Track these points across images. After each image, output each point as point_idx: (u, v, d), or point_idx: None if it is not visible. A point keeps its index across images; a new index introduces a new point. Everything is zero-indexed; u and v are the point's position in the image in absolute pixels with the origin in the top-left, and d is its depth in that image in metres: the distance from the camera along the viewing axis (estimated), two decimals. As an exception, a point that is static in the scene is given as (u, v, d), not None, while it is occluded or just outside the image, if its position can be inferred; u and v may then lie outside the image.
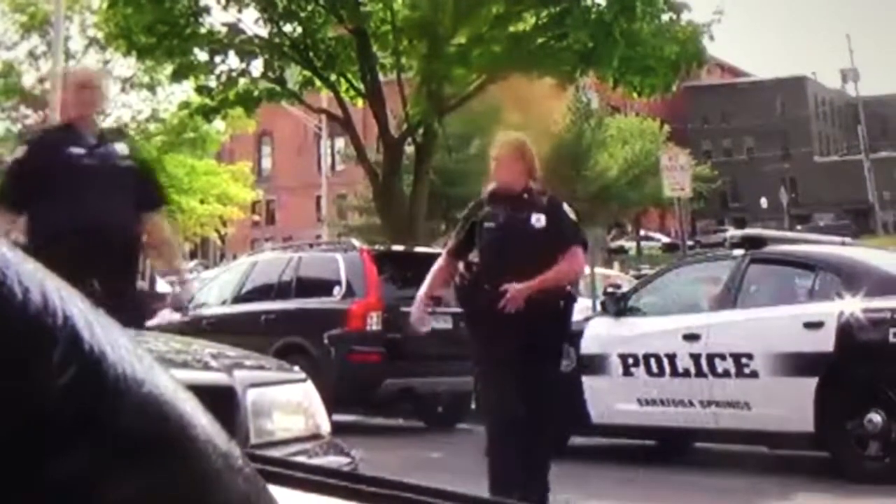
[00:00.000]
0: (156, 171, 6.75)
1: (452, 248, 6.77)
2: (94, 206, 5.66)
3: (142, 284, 6.49)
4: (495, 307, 6.05)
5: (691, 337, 8.77)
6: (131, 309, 5.62)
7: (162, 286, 20.44)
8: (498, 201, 6.50)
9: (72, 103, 6.10)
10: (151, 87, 36.43)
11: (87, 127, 6.01)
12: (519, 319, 6.06)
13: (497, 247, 6.33)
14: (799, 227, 43.86)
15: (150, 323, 12.84)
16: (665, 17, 19.48)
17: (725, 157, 74.82)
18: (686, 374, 8.80)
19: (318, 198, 50.95)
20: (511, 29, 19.34)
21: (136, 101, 40.20)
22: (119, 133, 6.96)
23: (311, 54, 19.51)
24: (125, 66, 34.21)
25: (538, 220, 6.38)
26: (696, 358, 8.72)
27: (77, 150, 5.80)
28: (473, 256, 6.63)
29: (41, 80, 35.02)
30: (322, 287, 12.04)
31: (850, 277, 8.33)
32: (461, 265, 6.64)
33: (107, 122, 37.41)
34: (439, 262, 6.81)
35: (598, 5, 18.86)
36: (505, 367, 6.11)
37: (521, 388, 6.09)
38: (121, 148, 6.11)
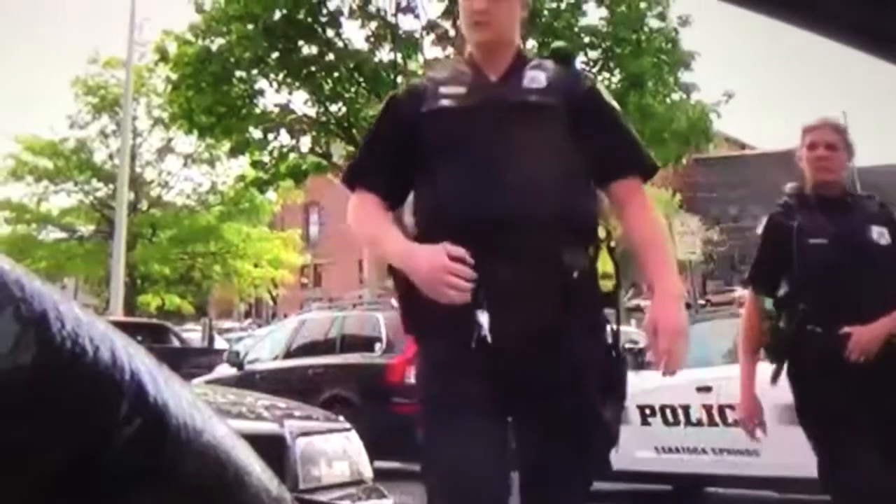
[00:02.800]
0: (622, 115, 3.27)
1: (756, 278, 4.39)
2: (487, 180, 2.88)
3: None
4: (833, 357, 4.00)
5: (704, 389, 8.69)
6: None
7: (220, 343, 20.49)
8: (812, 206, 4.24)
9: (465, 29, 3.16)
10: (211, 162, 36.83)
11: (490, 57, 3.09)
12: (867, 373, 3.99)
13: (830, 271, 4.06)
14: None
15: (206, 378, 12.86)
16: (676, 97, 19.56)
17: (733, 223, 74.46)
18: (699, 423, 8.71)
19: (360, 261, 51.15)
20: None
21: (197, 174, 40.77)
22: (563, 56, 3.24)
23: (354, 131, 19.67)
24: (187, 143, 34.60)
25: (880, 234, 4.17)
26: (708, 409, 8.63)
27: (457, 91, 3.05)
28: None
29: (111, 157, 35.43)
30: (364, 343, 11.99)
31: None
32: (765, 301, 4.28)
33: (170, 195, 37.97)
34: (746, 308, 4.44)
35: (612, 82, 18.98)
36: (849, 434, 4.04)
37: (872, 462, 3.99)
38: (536, 77, 3.06)
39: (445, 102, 3.03)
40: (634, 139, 3.16)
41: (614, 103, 3.18)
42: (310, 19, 19.39)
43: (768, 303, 4.30)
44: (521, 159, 2.88)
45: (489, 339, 2.73)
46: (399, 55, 19.52)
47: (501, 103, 2.97)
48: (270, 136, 20.51)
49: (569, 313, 2.85)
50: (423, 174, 2.98)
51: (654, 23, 19.25)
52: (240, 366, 12.80)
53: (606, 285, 2.99)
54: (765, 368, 4.58)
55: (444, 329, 2.83)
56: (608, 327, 3.00)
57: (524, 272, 2.78)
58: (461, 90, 3.06)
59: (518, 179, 2.85)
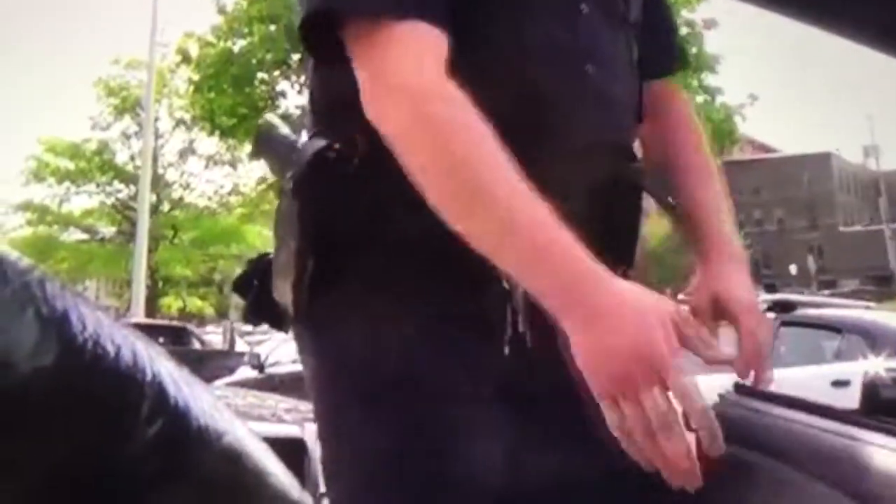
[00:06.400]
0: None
1: None
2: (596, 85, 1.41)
3: None
4: None
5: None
6: None
7: (241, 345, 20.50)
8: None
9: None
10: (233, 164, 36.88)
11: None
12: None
13: None
14: (826, 293, 43.34)
15: (227, 380, 12.87)
16: (700, 99, 19.52)
17: (757, 228, 74.22)
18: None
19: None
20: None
21: (219, 176, 40.92)
22: None
23: (376, 134, 19.73)
24: (209, 144, 34.70)
25: None
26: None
27: None
28: None
29: (132, 158, 35.57)
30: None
31: (875, 339, 8.19)
32: None
33: (191, 197, 38.12)
34: None
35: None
36: None
37: None
38: None
39: None
40: (675, 23, 1.82)
41: None
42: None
43: None
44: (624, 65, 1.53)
45: (528, 338, 1.30)
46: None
47: None
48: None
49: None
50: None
51: (681, 28, 19.22)
52: (261, 368, 12.81)
53: None
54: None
55: (454, 306, 1.28)
56: None
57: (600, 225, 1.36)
58: None
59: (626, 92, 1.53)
